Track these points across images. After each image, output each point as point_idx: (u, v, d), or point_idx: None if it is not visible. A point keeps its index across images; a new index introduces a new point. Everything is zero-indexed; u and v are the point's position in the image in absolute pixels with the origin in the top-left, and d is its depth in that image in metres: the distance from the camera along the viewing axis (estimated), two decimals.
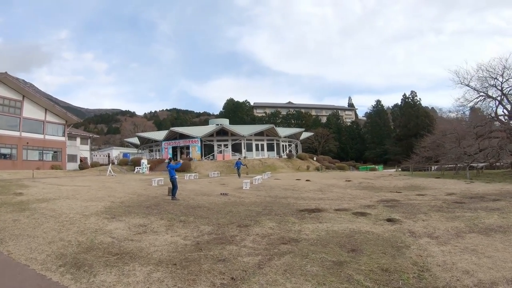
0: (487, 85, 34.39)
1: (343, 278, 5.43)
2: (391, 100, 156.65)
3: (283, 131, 59.41)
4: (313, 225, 9.58)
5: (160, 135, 59.29)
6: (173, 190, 15.24)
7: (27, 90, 41.19)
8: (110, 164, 34.54)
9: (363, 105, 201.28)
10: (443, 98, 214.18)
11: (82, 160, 53.37)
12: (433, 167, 45.63)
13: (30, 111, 42.50)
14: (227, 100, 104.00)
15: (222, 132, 52.91)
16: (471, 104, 37.00)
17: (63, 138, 46.99)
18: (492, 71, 33.27)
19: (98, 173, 36.79)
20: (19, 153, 40.71)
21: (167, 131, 57.52)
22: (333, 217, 10.86)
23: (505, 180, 24.41)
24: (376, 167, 55.79)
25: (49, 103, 44.20)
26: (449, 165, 39.62)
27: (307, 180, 26.29)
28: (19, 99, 41.19)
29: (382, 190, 20.28)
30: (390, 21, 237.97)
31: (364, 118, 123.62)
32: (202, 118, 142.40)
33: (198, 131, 55.37)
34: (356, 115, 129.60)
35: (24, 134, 41.29)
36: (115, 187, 19.77)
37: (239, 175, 31.04)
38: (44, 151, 44.44)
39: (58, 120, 46.40)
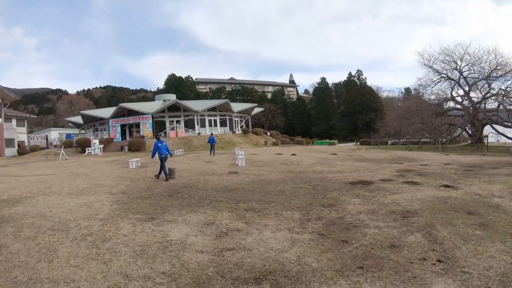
0: (448, 67, 38.94)
1: None
2: (330, 78, 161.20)
3: (236, 106, 56.83)
4: (397, 196, 9.20)
5: (106, 112, 53.97)
6: (162, 170, 13.80)
7: None
8: (63, 147, 30.95)
9: (302, 83, 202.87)
10: (377, 78, 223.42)
11: (20, 144, 47.79)
12: (389, 141, 47.85)
13: None
14: (169, 75, 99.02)
15: (174, 108, 49.34)
16: (433, 84, 41.35)
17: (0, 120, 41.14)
18: (453, 55, 37.97)
19: (46, 158, 33.01)
20: None
21: (114, 108, 52.79)
22: (393, 187, 10.58)
23: (473, 152, 28.16)
24: (333, 141, 55.95)
25: None
26: (412, 139, 41.80)
27: (292, 155, 25.00)
28: None
29: (381, 162, 19.83)
30: (329, 3, 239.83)
31: (305, 95, 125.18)
32: (140, 95, 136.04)
33: (149, 107, 51.33)
34: (297, 92, 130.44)
35: None
36: (90, 173, 16.61)
37: (213, 152, 28.86)
38: None
39: None
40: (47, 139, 58.94)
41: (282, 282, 4.30)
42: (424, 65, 39.60)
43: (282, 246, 5.65)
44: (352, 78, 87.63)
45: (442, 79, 39.45)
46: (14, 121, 48.07)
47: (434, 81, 39.93)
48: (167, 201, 9.45)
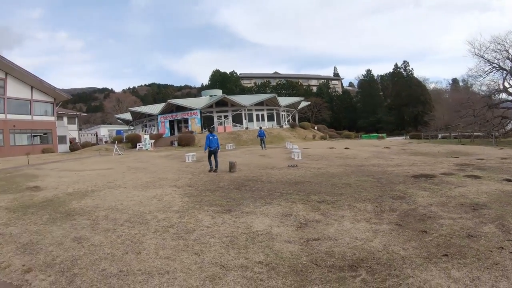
0: (500, 57, 36.57)
1: None
2: (375, 70, 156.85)
3: (283, 100, 56.91)
4: (463, 189, 9.05)
5: (155, 108, 55.86)
6: (209, 161, 15.06)
7: (11, 66, 36.78)
8: (116, 142, 32.47)
9: (346, 76, 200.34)
10: (423, 69, 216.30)
11: (72, 141, 50.40)
12: (439, 135, 46.71)
13: (15, 89, 38.30)
14: (213, 71, 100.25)
15: (221, 103, 50.13)
16: (484, 74, 38.65)
17: (52, 118, 43.11)
18: (504, 44, 35.65)
19: (98, 154, 34.48)
20: (6, 138, 36.91)
21: (162, 104, 54.33)
22: (456, 181, 10.41)
23: None
24: (382, 135, 55.16)
25: (36, 79, 39.84)
26: (464, 133, 40.47)
27: (346, 148, 24.85)
28: (1, 77, 37.17)
29: (436, 156, 19.42)
30: None
31: (350, 88, 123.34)
32: (184, 92, 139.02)
33: (196, 102, 52.42)
34: (342, 85, 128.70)
35: (9, 116, 37.37)
36: (148, 167, 17.20)
37: (264, 146, 29.39)
38: (33, 134, 40.77)
39: (46, 98, 42.36)
40: (96, 135, 61.60)
41: (376, 269, 4.47)
42: (475, 54, 37.54)
43: (365, 236, 5.79)
44: (398, 69, 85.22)
45: (494, 69, 37.30)
46: (65, 119, 50.90)
47: (486, 71, 37.78)
48: (237, 193, 9.58)
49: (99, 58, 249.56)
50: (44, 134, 41.86)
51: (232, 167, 14.12)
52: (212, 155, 15.00)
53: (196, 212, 7.71)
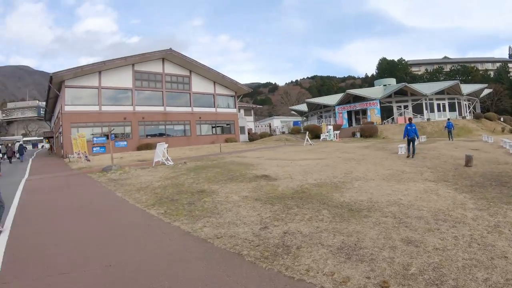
0: None
1: None
2: None
3: (464, 88, 50.70)
4: None
5: (331, 99, 55.50)
6: (408, 148, 16.59)
7: (194, 64, 40.82)
8: (307, 133, 32.69)
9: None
10: None
11: (249, 132, 53.43)
12: None
13: (199, 85, 42.53)
14: (380, 59, 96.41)
15: (399, 92, 46.97)
16: None
17: (234, 110, 46.71)
18: None
19: (283, 144, 35.51)
20: (193, 128, 41.11)
21: (339, 95, 54.07)
22: None
23: None
24: None
25: (218, 74, 43.31)
26: None
27: None
28: (186, 74, 41.47)
29: None
30: None
31: None
32: (348, 82, 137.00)
33: (373, 92, 50.19)
34: None
35: (195, 109, 41.57)
36: (365, 158, 16.33)
37: (451, 138, 27.03)
38: (217, 125, 44.58)
39: (228, 92, 46.04)
40: (270, 126, 64.32)
41: None
42: None
43: None
44: None
45: None
46: (242, 111, 54.15)
47: None
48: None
49: (259, 56, 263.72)
50: (227, 125, 45.42)
51: (469, 161, 12.58)
52: (411, 143, 16.40)
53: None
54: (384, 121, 45.52)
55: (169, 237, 6.03)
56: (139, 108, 36.74)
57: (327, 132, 37.46)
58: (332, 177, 11.01)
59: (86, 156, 22.33)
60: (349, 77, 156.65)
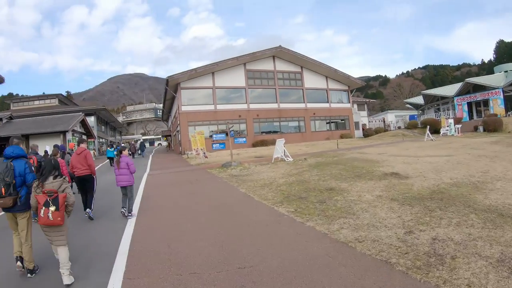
0: None
1: None
2: None
3: None
4: None
5: (448, 90, 51.33)
6: None
7: (305, 59, 40.73)
8: (428, 127, 30.87)
9: None
10: None
11: (364, 127, 51.95)
12: None
13: (311, 80, 42.53)
14: (497, 42, 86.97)
15: None
16: None
17: (348, 105, 45.95)
18: None
19: (401, 139, 34.16)
20: (307, 124, 41.31)
21: (457, 84, 49.81)
22: None
23: None
24: None
25: (330, 68, 42.67)
26: None
27: None
28: (298, 70, 41.68)
29: None
30: None
31: None
32: (464, 71, 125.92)
33: (494, 80, 44.78)
34: None
35: (309, 105, 41.67)
36: (502, 156, 14.36)
37: None
38: (331, 120, 44.20)
39: (340, 86, 45.37)
40: (384, 121, 61.87)
41: None
42: None
43: None
44: None
45: None
46: (355, 106, 52.88)
47: None
48: None
49: (365, 48, 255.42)
50: (341, 120, 45.03)
51: None
52: None
53: None
54: (509, 113, 40.85)
55: (305, 239, 5.78)
56: (253, 106, 38.00)
57: (448, 126, 34.86)
58: (469, 176, 10.11)
59: (204, 153, 23.73)
60: (464, 65, 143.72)
